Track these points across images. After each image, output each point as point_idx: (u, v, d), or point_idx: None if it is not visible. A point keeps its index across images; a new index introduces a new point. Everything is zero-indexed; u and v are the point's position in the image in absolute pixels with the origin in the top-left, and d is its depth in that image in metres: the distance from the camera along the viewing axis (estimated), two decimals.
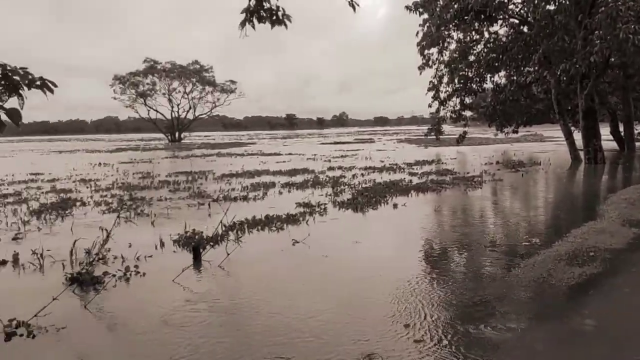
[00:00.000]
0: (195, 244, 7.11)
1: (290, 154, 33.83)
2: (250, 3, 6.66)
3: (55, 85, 3.72)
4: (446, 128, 48.97)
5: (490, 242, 7.74)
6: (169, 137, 73.02)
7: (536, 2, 18.42)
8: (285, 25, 7.71)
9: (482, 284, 5.74)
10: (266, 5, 7.58)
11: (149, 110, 72.81)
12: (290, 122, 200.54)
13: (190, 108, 74.73)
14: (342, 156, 29.52)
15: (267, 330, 4.51)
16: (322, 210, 10.79)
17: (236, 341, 4.33)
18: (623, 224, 8.74)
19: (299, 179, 17.18)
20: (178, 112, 74.11)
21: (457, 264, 6.70)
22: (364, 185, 14.80)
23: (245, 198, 12.99)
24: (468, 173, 17.95)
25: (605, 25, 14.76)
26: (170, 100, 73.15)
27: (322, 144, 51.78)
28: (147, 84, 70.44)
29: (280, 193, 14.00)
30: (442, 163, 23.13)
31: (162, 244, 7.92)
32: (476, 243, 7.69)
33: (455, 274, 6.19)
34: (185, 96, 73.65)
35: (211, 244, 7.74)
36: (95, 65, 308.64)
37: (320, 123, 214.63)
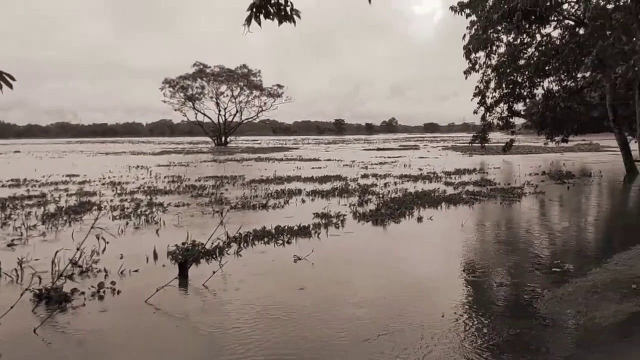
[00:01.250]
0: (181, 259, 6.53)
1: (329, 159, 33.21)
2: None
3: (13, 79, 3.21)
4: (495, 135, 47.14)
5: (511, 269, 6.78)
6: (215, 140, 73.83)
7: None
8: (294, 21, 7.09)
9: (493, 324, 4.86)
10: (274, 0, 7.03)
11: (196, 114, 73.97)
12: (339, 127, 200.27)
13: (237, 112, 75.37)
14: (380, 163, 28.62)
15: None
16: (339, 222, 10.05)
17: None
18: None
19: (327, 186, 16.49)
20: (225, 115, 74.89)
21: (464, 299, 5.82)
22: (393, 195, 13.94)
23: (264, 206, 12.41)
24: (509, 184, 16.74)
25: None
26: (217, 104, 74.00)
27: (365, 149, 50.91)
28: (196, 87, 71.52)
29: (303, 201, 13.35)
30: (484, 172, 21.89)
31: (155, 256, 7.40)
32: (493, 271, 6.75)
33: (461, 313, 5.33)
34: (233, 100, 74.35)
35: (207, 257, 7.17)
36: (155, 68, 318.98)
37: (369, 129, 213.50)
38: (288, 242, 8.40)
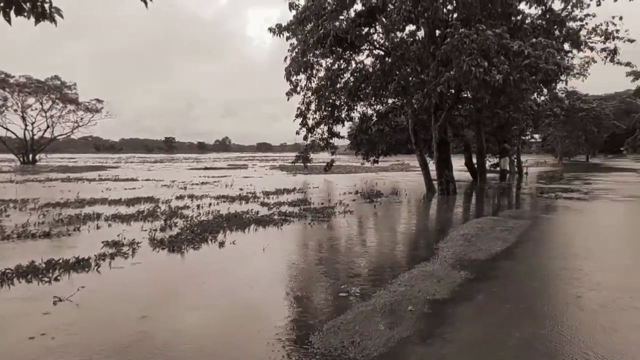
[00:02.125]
0: None
1: (148, 179, 31.18)
2: None
3: None
4: (323, 155, 49.09)
5: (298, 299, 6.51)
6: (21, 158, 65.43)
7: (391, 32, 18.26)
8: (54, 20, 6.11)
9: None
10: None
11: None
12: (169, 146, 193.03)
13: (47, 127, 67.79)
14: (202, 183, 27.60)
15: None
16: (130, 252, 9.00)
17: None
18: (454, 265, 8.03)
19: (133, 209, 15.12)
20: (32, 131, 66.83)
21: (228, 340, 5.34)
22: (202, 218, 13.17)
23: (47, 234, 10.75)
24: (322, 203, 17.07)
25: (452, 57, 14.81)
26: (24, 118, 65.81)
27: (192, 169, 49.23)
28: None
29: (98, 227, 11.91)
30: (303, 192, 22.21)
31: None
32: (275, 304, 6.43)
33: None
34: (43, 114, 66.72)
35: None
36: None
37: (202, 147, 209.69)
38: (56, 279, 7.16)
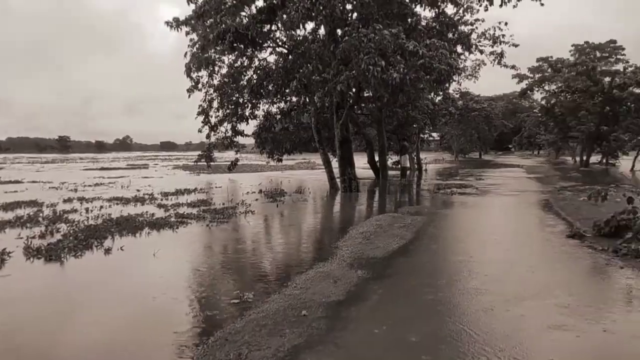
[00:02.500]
0: None
1: (34, 181, 28.70)
2: None
3: None
4: (230, 154, 47.94)
5: (187, 309, 6.11)
6: None
7: (292, 29, 18.07)
8: None
9: None
10: None
11: None
12: (64, 145, 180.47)
13: None
14: (96, 184, 25.84)
15: None
16: None
17: None
18: (352, 265, 7.97)
19: (11, 215, 13.72)
20: None
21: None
22: (90, 223, 12.20)
23: None
24: (224, 204, 16.54)
25: (352, 56, 14.92)
26: None
27: (87, 169, 46.21)
28: None
29: None
30: (205, 192, 21.47)
31: None
32: (162, 316, 5.98)
33: None
34: None
35: None
36: None
37: (100, 147, 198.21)
38: None
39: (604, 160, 43.36)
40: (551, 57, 41.84)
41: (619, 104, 37.18)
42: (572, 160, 52.74)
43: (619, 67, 39.47)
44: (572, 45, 42.01)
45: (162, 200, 17.76)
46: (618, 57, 40.58)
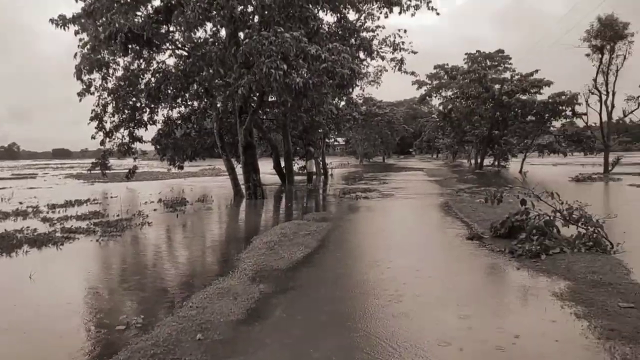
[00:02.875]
0: None
1: None
2: None
3: None
4: (129, 162, 45.21)
5: (61, 337, 5.36)
6: None
7: (189, 31, 17.24)
8: None
9: None
10: None
11: None
12: None
13: None
14: None
15: None
16: None
17: None
18: (253, 278, 7.51)
19: None
20: None
21: None
22: None
23: None
24: (118, 215, 15.37)
25: (254, 59, 14.48)
26: None
27: None
28: None
29: None
30: (98, 203, 19.94)
31: None
32: (34, 346, 5.20)
33: None
34: None
35: None
36: None
37: None
38: None
39: (496, 163, 46.23)
40: (447, 64, 44.00)
41: (508, 110, 39.79)
42: (468, 163, 55.87)
43: (507, 75, 42.34)
44: (466, 54, 44.41)
45: (48, 213, 16.19)
46: (506, 65, 43.46)
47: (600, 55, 33.04)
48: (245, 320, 5.69)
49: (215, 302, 6.31)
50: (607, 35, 32.09)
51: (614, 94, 33.43)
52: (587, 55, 33.47)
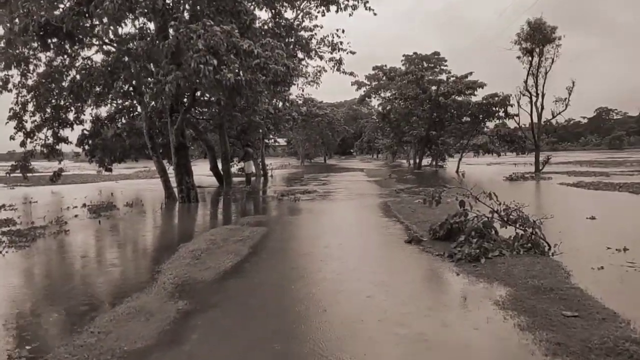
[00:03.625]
0: None
1: None
2: None
3: None
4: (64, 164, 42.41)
5: None
6: None
7: (111, 24, 16.03)
8: None
9: None
10: None
11: None
12: None
13: None
14: None
15: None
16: None
17: None
18: (173, 293, 6.72)
19: None
20: None
21: None
22: None
23: None
24: (33, 223, 14.04)
25: (180, 54, 13.61)
26: None
27: None
28: None
29: None
30: (13, 209, 18.27)
31: None
32: None
33: None
34: None
35: None
36: None
37: None
38: None
39: (434, 163, 46.97)
40: (385, 65, 44.32)
41: (445, 111, 40.43)
42: (407, 163, 56.57)
43: (443, 76, 43.11)
44: (403, 56, 44.97)
45: None
46: (442, 67, 44.29)
47: (530, 58, 34.14)
48: (155, 347, 4.92)
49: (122, 324, 5.50)
50: (537, 38, 33.19)
51: (543, 96, 34.64)
52: (518, 57, 34.53)
